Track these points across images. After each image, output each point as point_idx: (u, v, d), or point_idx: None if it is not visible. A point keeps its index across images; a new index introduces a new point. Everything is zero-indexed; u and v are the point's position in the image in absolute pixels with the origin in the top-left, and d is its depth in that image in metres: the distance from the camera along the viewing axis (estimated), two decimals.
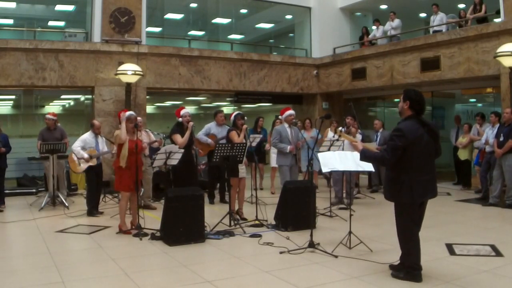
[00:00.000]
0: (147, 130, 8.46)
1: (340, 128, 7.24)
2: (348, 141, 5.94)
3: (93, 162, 7.24)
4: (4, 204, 7.83)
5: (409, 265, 4.08)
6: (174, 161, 6.54)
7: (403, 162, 3.93)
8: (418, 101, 3.99)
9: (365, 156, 4.19)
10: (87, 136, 7.36)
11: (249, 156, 7.19)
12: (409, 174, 3.92)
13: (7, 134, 8.06)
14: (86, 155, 7.13)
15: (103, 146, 7.48)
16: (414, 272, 4.05)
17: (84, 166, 7.19)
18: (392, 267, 4.31)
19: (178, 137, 6.88)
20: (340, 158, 5.28)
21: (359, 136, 8.23)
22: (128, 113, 6.10)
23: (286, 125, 7.43)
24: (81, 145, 7.19)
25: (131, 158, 5.87)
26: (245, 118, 6.94)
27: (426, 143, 3.95)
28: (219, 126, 8.37)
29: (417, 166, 3.93)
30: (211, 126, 8.43)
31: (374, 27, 12.66)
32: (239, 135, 6.79)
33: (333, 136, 7.09)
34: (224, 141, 7.88)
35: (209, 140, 8.20)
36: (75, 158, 7.22)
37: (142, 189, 7.57)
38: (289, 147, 7.22)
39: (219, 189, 8.54)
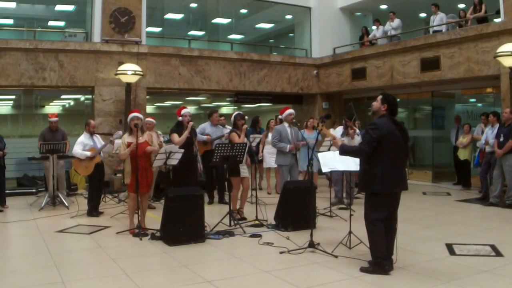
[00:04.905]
0: (157, 131, 8.33)
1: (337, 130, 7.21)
2: (328, 136, 5.94)
3: (98, 159, 7.28)
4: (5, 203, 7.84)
5: (376, 256, 4.21)
6: (174, 161, 6.53)
7: (377, 155, 4.21)
8: (395, 104, 4.41)
9: (344, 150, 4.49)
10: (83, 138, 7.34)
11: (250, 156, 7.19)
12: (381, 166, 4.19)
13: (1, 134, 8.02)
14: (89, 153, 7.17)
15: (100, 143, 7.49)
16: (383, 263, 4.19)
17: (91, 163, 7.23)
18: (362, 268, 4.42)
19: (175, 137, 6.88)
20: (340, 158, 5.27)
21: (357, 138, 8.19)
22: (132, 115, 6.09)
23: (286, 124, 7.42)
24: (81, 148, 7.21)
25: (133, 161, 5.86)
26: (246, 117, 6.90)
27: (397, 139, 4.28)
28: (213, 126, 8.37)
29: (389, 159, 4.20)
30: (205, 126, 8.39)
31: (374, 27, 12.64)
32: (239, 136, 6.78)
33: (316, 129, 7.03)
34: (219, 141, 7.88)
35: (204, 137, 8.16)
36: (87, 156, 7.23)
37: None
38: (288, 146, 7.21)
39: (218, 189, 8.49)
